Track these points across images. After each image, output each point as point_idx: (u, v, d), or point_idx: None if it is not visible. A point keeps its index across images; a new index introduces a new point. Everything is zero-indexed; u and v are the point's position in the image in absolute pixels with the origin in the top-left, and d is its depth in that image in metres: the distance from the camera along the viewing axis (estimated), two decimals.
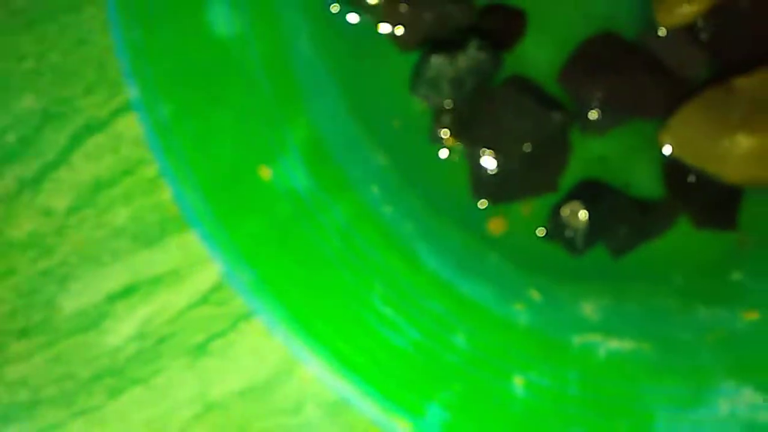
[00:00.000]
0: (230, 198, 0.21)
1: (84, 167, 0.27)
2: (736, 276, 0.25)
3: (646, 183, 0.26)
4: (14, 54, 0.27)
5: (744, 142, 0.23)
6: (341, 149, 0.23)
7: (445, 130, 0.24)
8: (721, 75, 0.25)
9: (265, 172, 0.22)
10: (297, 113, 0.22)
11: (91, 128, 0.27)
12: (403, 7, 0.24)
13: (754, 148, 0.23)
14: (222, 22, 0.21)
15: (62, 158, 0.27)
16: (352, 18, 0.24)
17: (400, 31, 0.25)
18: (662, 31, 0.25)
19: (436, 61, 0.24)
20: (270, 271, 0.21)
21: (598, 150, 0.26)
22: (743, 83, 0.23)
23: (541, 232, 0.25)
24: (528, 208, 0.25)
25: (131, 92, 0.21)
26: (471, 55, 0.24)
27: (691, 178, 0.25)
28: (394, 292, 0.22)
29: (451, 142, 0.25)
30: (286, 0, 0.23)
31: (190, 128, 0.21)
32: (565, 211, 0.24)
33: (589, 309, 0.24)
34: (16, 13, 0.28)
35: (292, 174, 0.22)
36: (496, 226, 0.25)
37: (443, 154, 0.25)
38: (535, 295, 0.24)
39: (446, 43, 0.24)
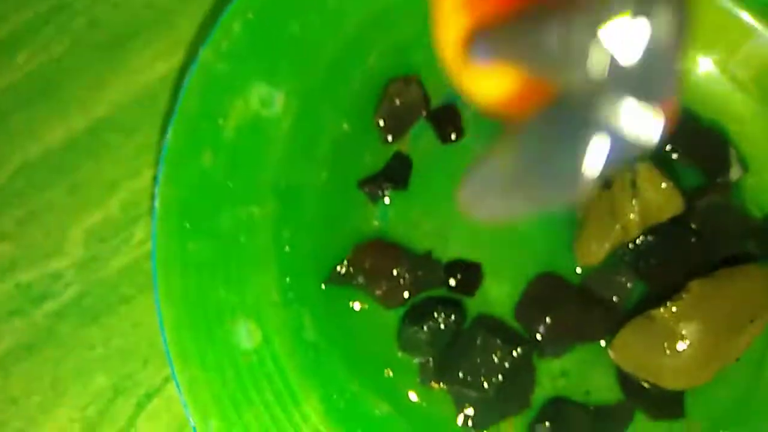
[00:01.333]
0: None
1: (147, 427, 0.34)
2: None
3: (605, 389, 0.31)
4: (86, 343, 0.35)
5: (669, 362, 0.29)
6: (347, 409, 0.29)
7: (432, 376, 0.30)
8: (649, 298, 0.31)
9: None
10: (310, 391, 0.28)
11: (150, 395, 0.34)
12: (386, 279, 0.31)
13: (679, 366, 0.29)
14: (246, 337, 0.28)
15: (131, 423, 0.34)
16: (349, 305, 0.31)
17: (386, 295, 0.31)
18: (594, 266, 0.31)
19: (412, 330, 0.30)
20: None
21: (560, 367, 0.31)
22: (659, 313, 0.29)
23: None
24: (510, 426, 0.31)
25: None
26: (439, 321, 0.30)
27: (643, 382, 0.30)
28: None
29: (436, 386, 0.30)
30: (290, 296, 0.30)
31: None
32: (538, 429, 0.30)
33: None
34: (84, 310, 0.35)
35: None
36: None
37: (431, 394, 0.31)
38: None
39: (420, 309, 0.30)
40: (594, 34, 0.08)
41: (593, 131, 0.09)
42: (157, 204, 0.28)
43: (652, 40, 0.08)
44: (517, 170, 0.10)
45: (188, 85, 0.30)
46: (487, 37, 0.10)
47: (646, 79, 0.08)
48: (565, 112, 0.09)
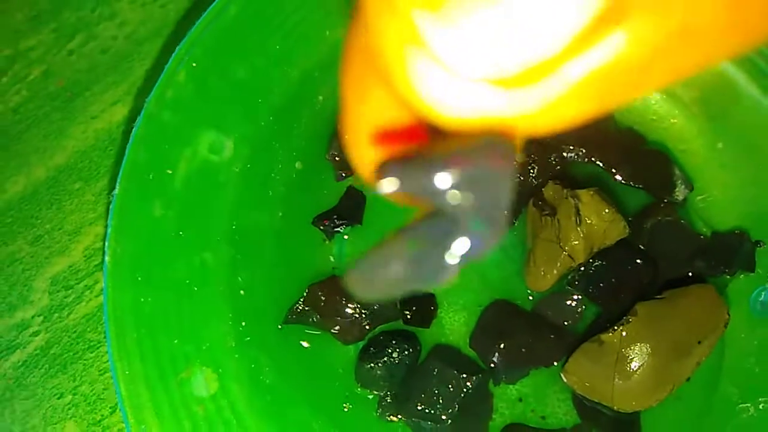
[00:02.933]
0: None
1: None
2: None
3: (561, 413, 0.32)
4: (55, 392, 0.35)
5: (620, 385, 0.29)
6: None
7: (390, 410, 0.31)
8: (600, 320, 0.31)
9: None
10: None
11: None
12: (342, 316, 0.31)
13: (630, 388, 0.29)
14: (202, 386, 0.28)
15: None
16: (304, 344, 0.31)
17: (342, 332, 0.32)
18: (545, 292, 0.32)
19: (368, 366, 0.30)
20: None
21: (517, 393, 0.32)
22: (608, 338, 0.29)
23: None
24: None
25: None
26: (394, 356, 0.30)
27: (597, 405, 0.31)
28: None
29: (395, 419, 0.31)
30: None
31: None
32: None
33: None
34: (52, 359, 0.35)
35: None
36: None
37: (390, 427, 0.31)
38: None
39: (376, 345, 0.31)
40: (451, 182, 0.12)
41: (453, 238, 0.12)
42: (107, 258, 0.29)
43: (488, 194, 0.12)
44: (400, 260, 0.13)
45: (135, 136, 0.30)
46: (390, 167, 0.12)
47: (486, 211, 0.12)
48: (436, 223, 0.12)
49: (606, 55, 0.09)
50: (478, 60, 0.09)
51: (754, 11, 0.10)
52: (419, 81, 0.10)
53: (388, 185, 0.12)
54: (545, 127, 0.11)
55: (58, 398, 0.35)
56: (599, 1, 0.09)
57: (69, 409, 0.35)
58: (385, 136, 0.14)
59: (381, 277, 0.13)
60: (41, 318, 0.36)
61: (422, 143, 0.14)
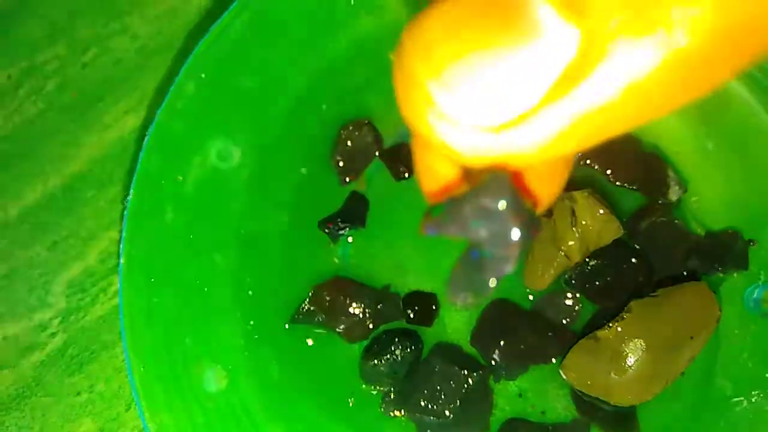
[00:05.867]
0: None
1: None
2: None
3: (560, 408, 0.33)
4: (72, 391, 0.36)
5: (616, 380, 0.30)
6: None
7: (393, 405, 0.32)
8: (597, 318, 0.32)
9: None
10: (277, 428, 0.30)
11: None
12: (346, 316, 0.33)
13: (626, 383, 0.30)
14: (213, 382, 0.30)
15: None
16: (309, 342, 0.33)
17: (347, 331, 0.33)
18: (543, 291, 0.33)
19: (372, 364, 0.31)
20: None
21: (516, 389, 0.33)
22: (604, 334, 0.30)
23: None
24: None
25: None
26: (397, 354, 0.31)
27: (595, 400, 0.32)
28: None
29: (398, 414, 0.32)
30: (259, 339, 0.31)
31: None
32: None
33: None
34: (69, 359, 0.37)
35: None
36: None
37: (394, 422, 0.32)
38: None
39: (380, 343, 0.32)
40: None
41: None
42: (122, 261, 0.30)
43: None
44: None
45: (147, 145, 0.32)
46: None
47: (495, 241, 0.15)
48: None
49: (582, 101, 0.12)
50: (473, 113, 0.13)
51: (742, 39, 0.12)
52: (437, 132, 0.13)
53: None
54: (549, 156, 0.13)
55: (76, 396, 0.37)
56: (564, 60, 0.12)
57: (86, 406, 0.36)
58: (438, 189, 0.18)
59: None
60: (59, 320, 0.38)
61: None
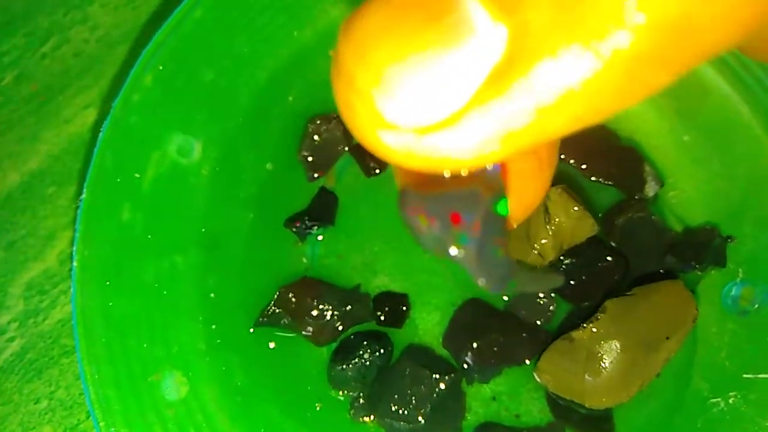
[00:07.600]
0: None
1: None
2: None
3: (535, 411, 0.32)
4: (32, 398, 0.35)
5: (591, 381, 0.29)
6: None
7: (362, 410, 0.31)
8: (572, 318, 0.31)
9: None
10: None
11: None
12: (314, 318, 0.31)
13: (600, 385, 0.29)
14: (172, 389, 0.28)
15: None
16: (272, 345, 0.31)
17: (315, 333, 0.32)
18: (518, 293, 0.32)
19: (339, 368, 0.30)
20: None
21: (490, 392, 0.32)
22: (579, 335, 0.29)
23: None
24: None
25: None
26: (365, 357, 0.30)
27: (570, 402, 0.31)
28: None
29: (368, 420, 0.31)
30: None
31: None
32: None
33: None
34: (28, 364, 0.35)
35: None
36: None
37: (363, 429, 0.31)
38: None
39: (347, 347, 0.31)
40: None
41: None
42: (75, 263, 0.29)
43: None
44: None
45: (102, 140, 0.30)
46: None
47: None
48: None
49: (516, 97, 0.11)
50: (409, 114, 0.12)
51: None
52: (382, 138, 0.12)
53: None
54: (486, 160, 0.13)
55: (35, 403, 0.35)
56: (491, 59, 0.11)
57: (46, 414, 0.35)
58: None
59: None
60: (17, 323, 0.36)
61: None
